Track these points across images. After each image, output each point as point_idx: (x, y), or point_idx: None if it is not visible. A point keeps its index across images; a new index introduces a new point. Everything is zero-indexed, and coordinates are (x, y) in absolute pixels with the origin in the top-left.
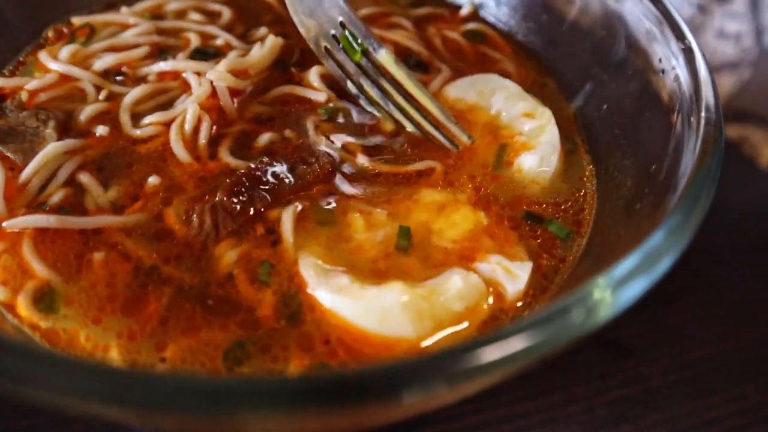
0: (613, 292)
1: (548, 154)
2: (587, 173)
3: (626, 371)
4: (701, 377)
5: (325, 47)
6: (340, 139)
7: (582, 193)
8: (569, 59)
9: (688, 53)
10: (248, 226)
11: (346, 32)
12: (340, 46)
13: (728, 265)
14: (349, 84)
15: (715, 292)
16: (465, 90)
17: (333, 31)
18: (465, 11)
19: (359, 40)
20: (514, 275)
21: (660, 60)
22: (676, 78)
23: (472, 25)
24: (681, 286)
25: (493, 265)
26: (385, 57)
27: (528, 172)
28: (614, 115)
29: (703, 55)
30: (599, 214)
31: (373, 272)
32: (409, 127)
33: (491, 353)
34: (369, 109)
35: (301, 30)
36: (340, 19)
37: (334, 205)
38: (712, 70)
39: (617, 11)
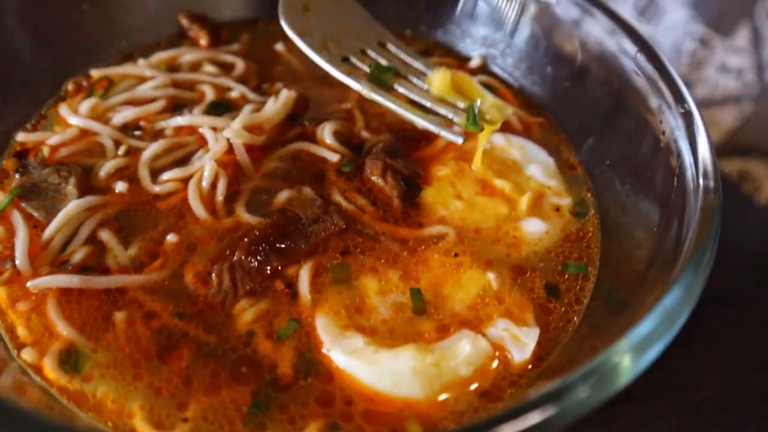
0: (633, 356)
1: (556, 228)
2: (591, 229)
3: (631, 415)
4: (705, 418)
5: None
6: (354, 197)
7: (586, 249)
8: (573, 113)
9: (687, 118)
10: (266, 283)
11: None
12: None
13: (732, 306)
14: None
15: (720, 335)
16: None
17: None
18: (475, 63)
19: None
20: (521, 343)
21: (661, 121)
22: (676, 141)
23: (481, 77)
24: (685, 331)
25: (500, 330)
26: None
27: (533, 235)
28: (617, 172)
29: (703, 120)
30: (601, 273)
31: (386, 334)
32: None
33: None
34: (371, 96)
35: (301, 45)
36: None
37: (348, 261)
38: (714, 103)
39: (618, 68)
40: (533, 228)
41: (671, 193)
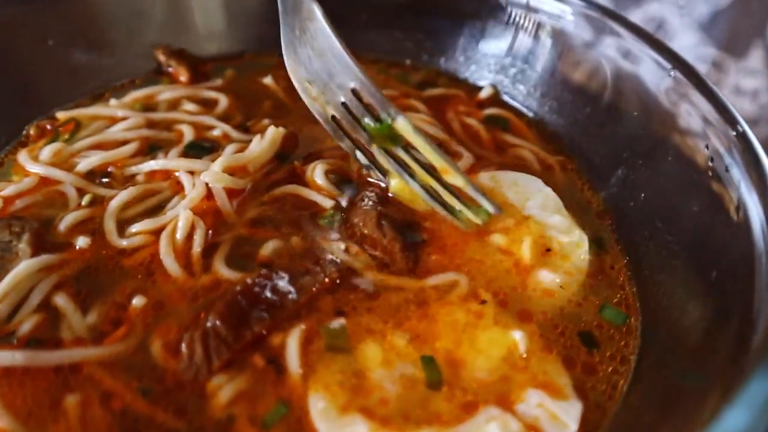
0: None
1: (572, 280)
2: (622, 278)
3: None
4: None
5: (333, 116)
6: (348, 245)
7: (622, 297)
8: (596, 141)
9: (742, 141)
10: (246, 354)
11: (354, 102)
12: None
13: None
14: (359, 155)
15: None
16: (500, 183)
17: (342, 99)
18: (486, 93)
19: (375, 109)
20: (560, 423)
21: (707, 146)
22: (728, 168)
23: (492, 110)
24: None
25: (534, 408)
26: (402, 125)
27: (549, 284)
28: (654, 206)
29: (761, 144)
30: (646, 328)
31: (396, 417)
32: (426, 199)
33: None
34: (379, 179)
35: (305, 98)
36: (352, 85)
37: (343, 322)
38: None
39: (652, 90)
40: (546, 277)
41: (731, 228)
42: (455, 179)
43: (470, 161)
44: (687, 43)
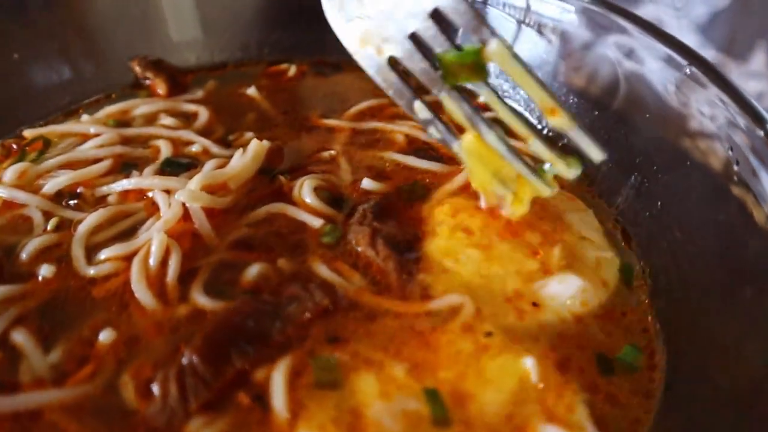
0: None
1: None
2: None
3: None
4: None
5: (390, 59)
6: (340, 267)
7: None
8: (606, 148)
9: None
10: (229, 392)
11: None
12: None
13: None
14: (417, 105)
15: None
16: None
17: (412, 29)
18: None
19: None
20: None
21: (731, 149)
22: (755, 172)
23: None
24: None
25: None
26: (497, 49)
27: (569, 298)
28: (673, 216)
29: None
30: (669, 340)
31: None
32: (507, 155)
33: None
34: (439, 137)
35: (349, 44)
36: (433, 6)
37: (336, 355)
38: None
39: (665, 90)
40: (566, 288)
41: (760, 245)
42: (562, 120)
43: None
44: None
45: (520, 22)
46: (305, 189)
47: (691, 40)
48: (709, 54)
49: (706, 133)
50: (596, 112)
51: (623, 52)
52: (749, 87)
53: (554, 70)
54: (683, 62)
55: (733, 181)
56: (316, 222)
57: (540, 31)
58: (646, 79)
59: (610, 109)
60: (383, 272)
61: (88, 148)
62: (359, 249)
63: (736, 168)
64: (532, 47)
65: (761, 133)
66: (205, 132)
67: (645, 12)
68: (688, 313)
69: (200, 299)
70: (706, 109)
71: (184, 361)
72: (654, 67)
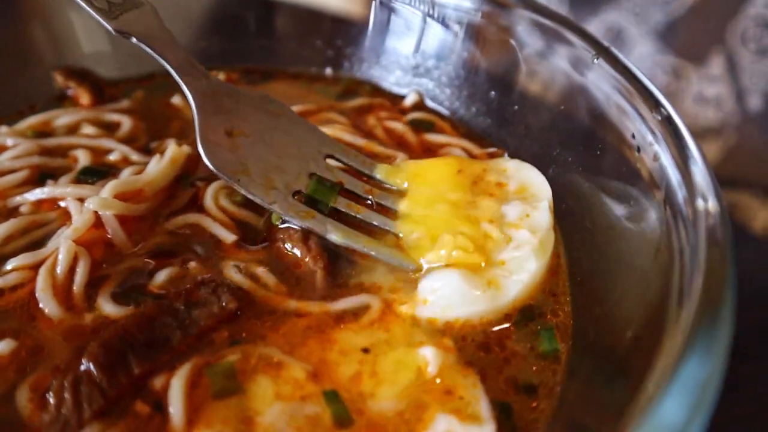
0: None
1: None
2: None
3: None
4: None
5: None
6: (251, 268)
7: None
8: (526, 140)
9: (666, 126)
10: (128, 400)
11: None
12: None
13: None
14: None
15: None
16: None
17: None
18: (410, 100)
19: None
20: None
21: (633, 135)
22: (656, 157)
23: (417, 114)
24: None
25: None
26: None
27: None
28: (584, 205)
29: (686, 126)
30: (577, 333)
31: None
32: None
33: None
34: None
35: (252, 193)
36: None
37: (232, 359)
38: (695, 137)
39: (577, 82)
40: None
41: (663, 224)
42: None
43: (404, 155)
44: (644, 51)
45: (425, 15)
46: (220, 194)
47: (649, 46)
48: (667, 59)
49: (616, 120)
50: (516, 107)
51: (536, 42)
52: (709, 91)
53: (473, 65)
54: (591, 51)
55: (639, 169)
56: (228, 237)
57: (445, 24)
58: (559, 70)
59: (527, 101)
60: (310, 272)
61: (3, 160)
62: (288, 246)
63: (638, 154)
64: (450, 43)
65: (659, 117)
66: (127, 141)
67: (607, 18)
68: (600, 296)
69: (105, 306)
70: (615, 97)
71: (81, 368)
72: (564, 57)
